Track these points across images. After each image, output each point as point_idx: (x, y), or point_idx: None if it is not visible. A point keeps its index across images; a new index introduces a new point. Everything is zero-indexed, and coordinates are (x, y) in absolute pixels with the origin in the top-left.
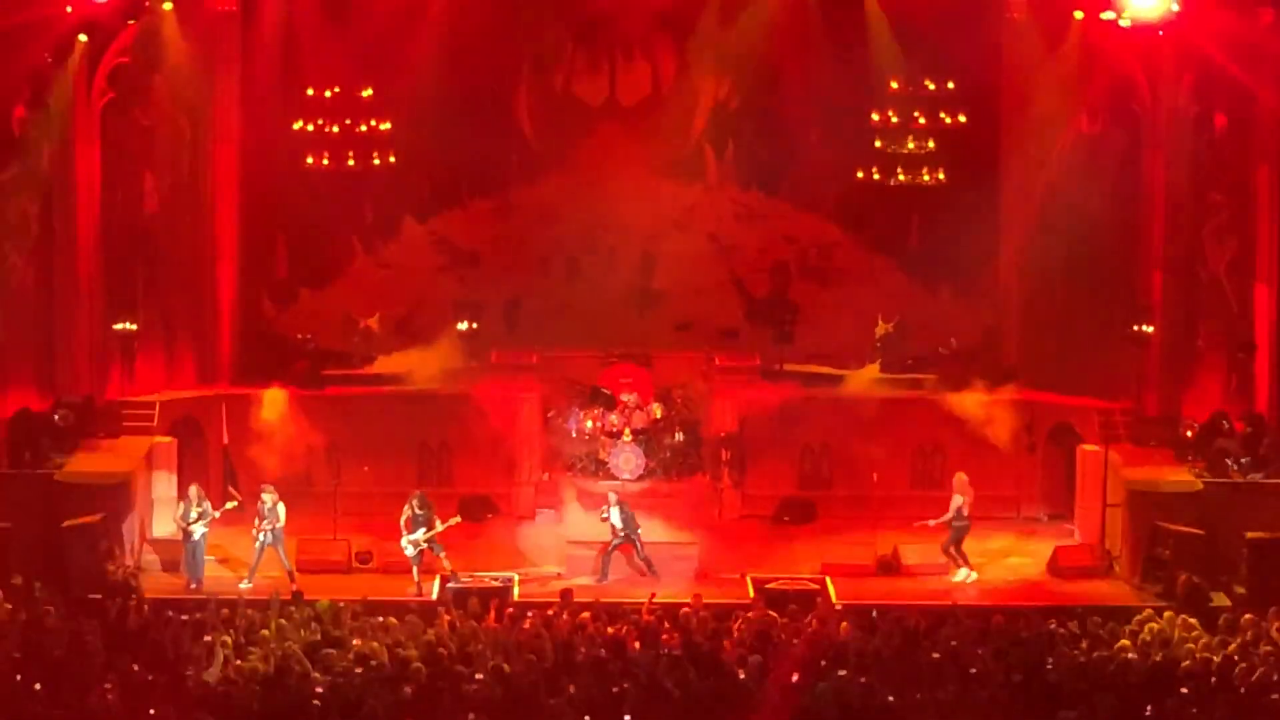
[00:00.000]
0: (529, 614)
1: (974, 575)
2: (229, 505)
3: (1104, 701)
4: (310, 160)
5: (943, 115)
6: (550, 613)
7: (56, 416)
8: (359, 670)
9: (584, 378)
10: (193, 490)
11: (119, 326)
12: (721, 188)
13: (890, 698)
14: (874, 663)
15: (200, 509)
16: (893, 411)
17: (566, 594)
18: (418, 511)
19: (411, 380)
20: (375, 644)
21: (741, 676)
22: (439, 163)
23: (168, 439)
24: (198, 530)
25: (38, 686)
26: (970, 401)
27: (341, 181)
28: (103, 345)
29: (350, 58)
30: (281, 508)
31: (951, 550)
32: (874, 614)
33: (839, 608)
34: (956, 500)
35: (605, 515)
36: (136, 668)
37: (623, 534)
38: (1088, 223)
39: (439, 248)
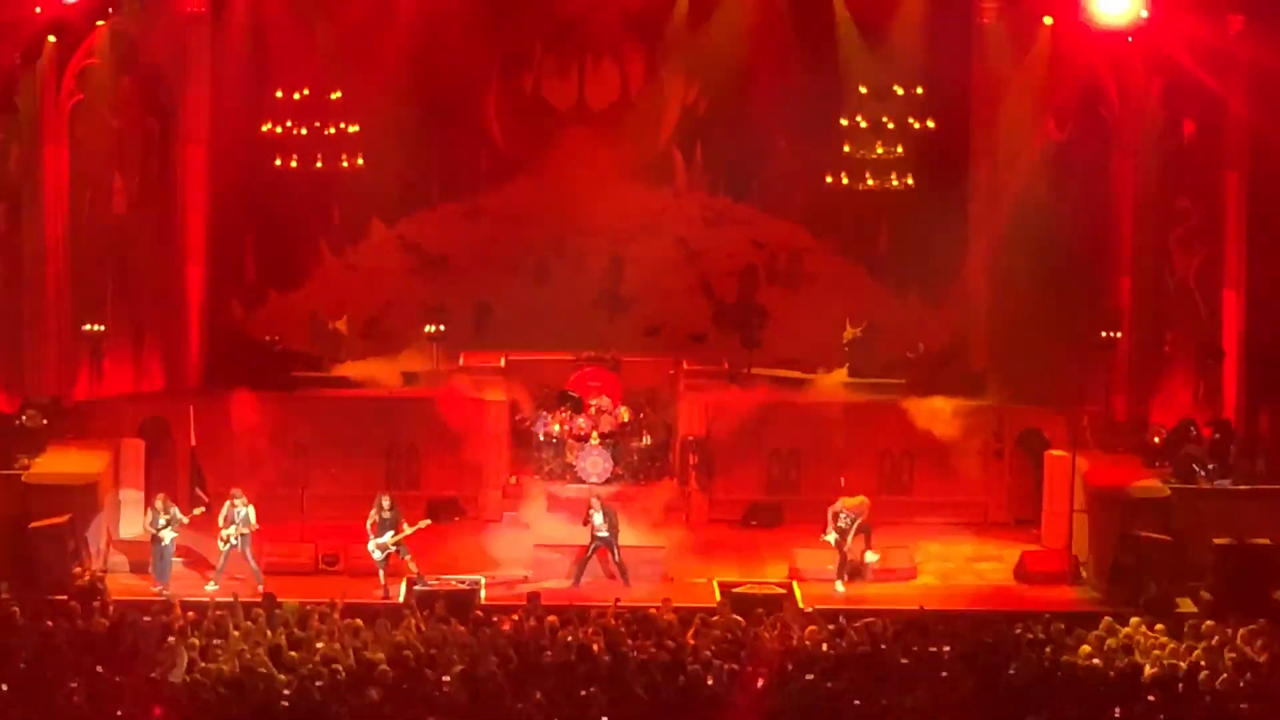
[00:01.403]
0: (495, 617)
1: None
2: (197, 511)
3: (1069, 708)
4: (279, 162)
5: (911, 120)
6: (517, 616)
7: (24, 417)
8: (325, 673)
9: (552, 381)
10: (159, 500)
11: (87, 327)
12: (690, 192)
13: (856, 702)
14: (841, 667)
15: (168, 516)
16: (860, 416)
17: (534, 597)
18: (385, 515)
19: (379, 383)
20: (341, 647)
21: (710, 681)
22: (407, 166)
23: (136, 440)
24: (167, 536)
25: (4, 687)
26: (936, 407)
27: (310, 184)
28: (71, 346)
29: (319, 60)
30: (251, 511)
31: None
32: (840, 618)
33: (809, 611)
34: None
35: (589, 519)
36: (102, 669)
37: (603, 537)
38: (1056, 228)
39: (407, 250)
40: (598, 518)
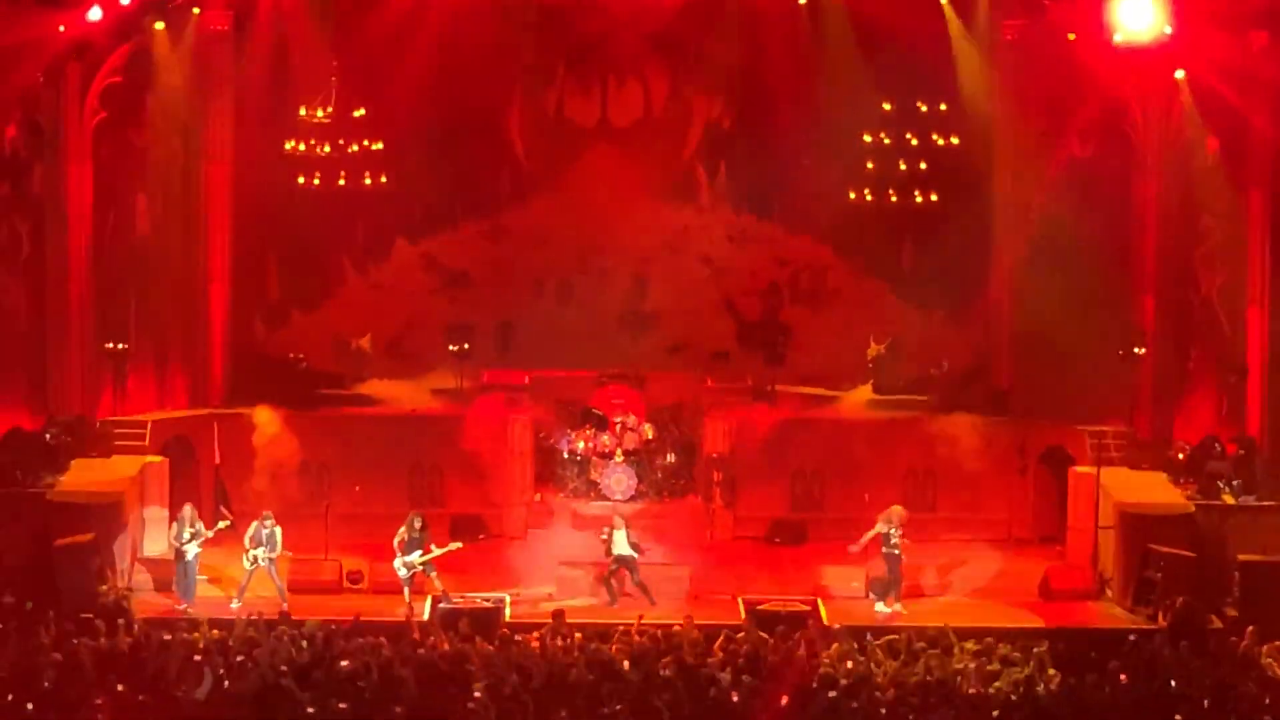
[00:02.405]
0: (519, 635)
1: (896, 608)
2: (221, 525)
3: None
4: (302, 180)
5: (935, 137)
6: (542, 633)
7: (48, 436)
8: (349, 691)
9: (576, 399)
10: (186, 510)
11: (111, 346)
12: (714, 210)
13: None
14: (865, 685)
15: (193, 529)
16: (885, 433)
17: (559, 615)
18: (415, 534)
19: (403, 402)
20: (366, 664)
21: (734, 699)
22: (431, 184)
23: (159, 459)
24: (191, 550)
25: (30, 706)
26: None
27: (333, 202)
28: (95, 365)
29: (343, 78)
30: (279, 532)
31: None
32: (868, 635)
33: (834, 629)
34: (880, 528)
35: (605, 537)
36: (127, 688)
37: (624, 556)
38: (1080, 245)
39: (430, 269)
40: (619, 537)
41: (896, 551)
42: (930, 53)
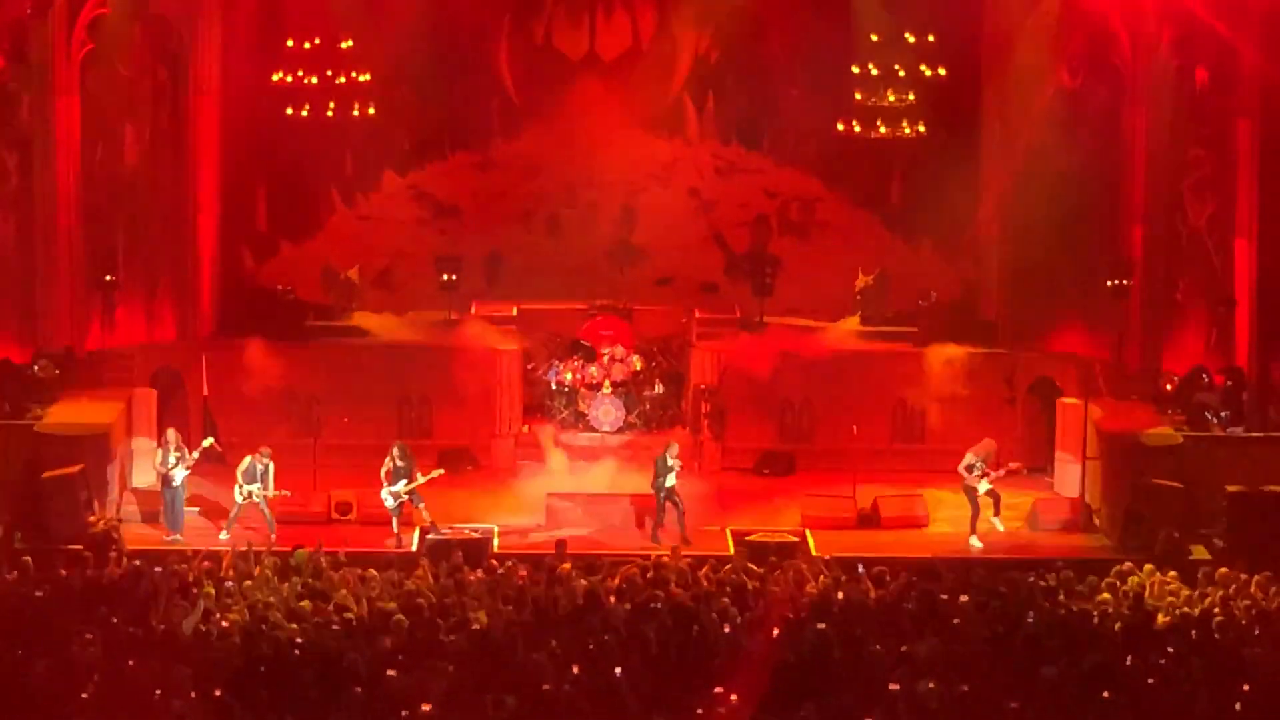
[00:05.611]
0: (503, 568)
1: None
2: (205, 444)
3: (1084, 658)
4: (290, 111)
5: (923, 68)
6: (535, 566)
7: (36, 367)
8: (337, 622)
9: (564, 330)
10: (170, 434)
11: (99, 278)
12: (702, 142)
13: (875, 647)
14: (853, 616)
15: (178, 453)
16: (873, 365)
17: (561, 545)
18: (398, 463)
19: (391, 333)
20: (354, 596)
21: (725, 629)
22: (419, 115)
23: (148, 390)
24: (178, 475)
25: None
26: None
27: (321, 133)
28: (83, 297)
29: (330, 8)
30: (272, 468)
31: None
32: (860, 566)
33: (823, 559)
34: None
35: (671, 465)
36: (116, 620)
37: (673, 490)
38: (1068, 177)
39: (419, 200)
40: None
41: (973, 485)
42: None
